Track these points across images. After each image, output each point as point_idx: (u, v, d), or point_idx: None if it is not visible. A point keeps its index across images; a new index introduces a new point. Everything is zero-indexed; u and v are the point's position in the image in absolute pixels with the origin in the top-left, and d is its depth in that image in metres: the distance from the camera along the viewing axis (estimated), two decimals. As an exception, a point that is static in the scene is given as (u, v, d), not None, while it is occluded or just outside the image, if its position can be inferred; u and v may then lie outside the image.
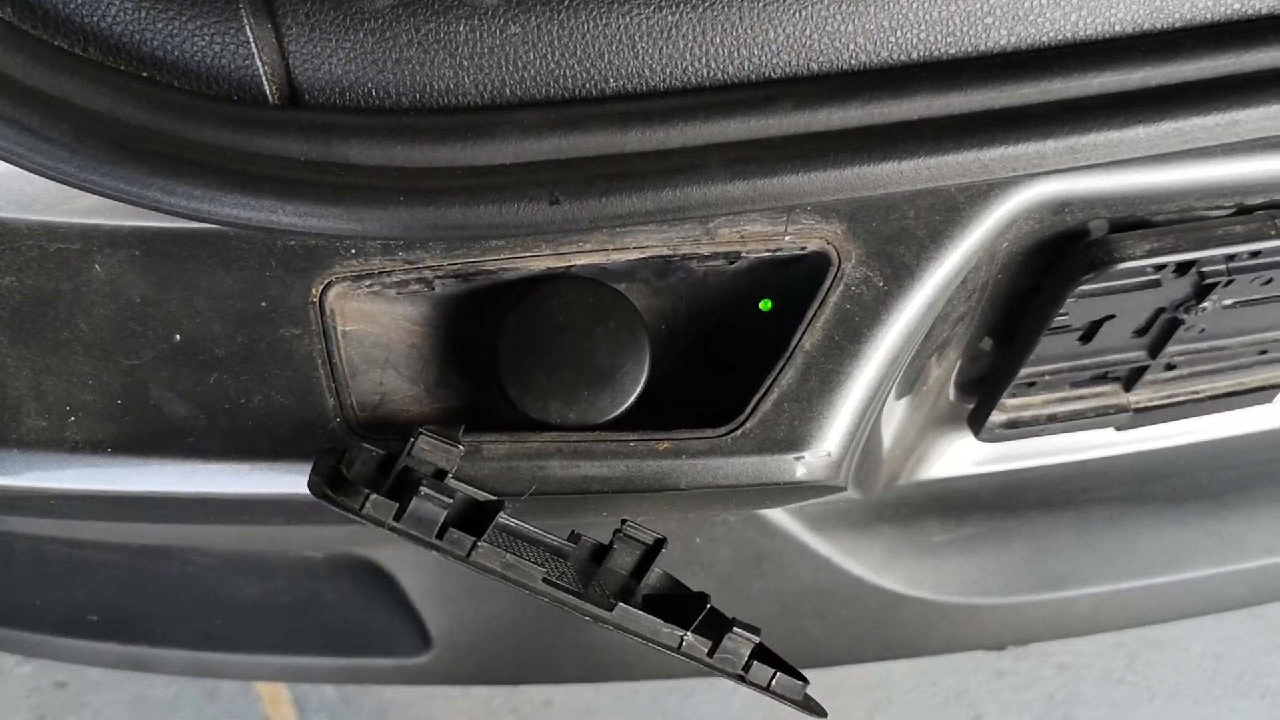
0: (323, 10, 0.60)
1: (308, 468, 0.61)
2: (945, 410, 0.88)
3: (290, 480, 0.63)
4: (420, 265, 0.63)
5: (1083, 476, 0.94)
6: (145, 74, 0.59)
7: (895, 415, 0.81)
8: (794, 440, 0.64)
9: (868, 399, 0.65)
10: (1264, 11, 0.63)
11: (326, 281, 0.63)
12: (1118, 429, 0.92)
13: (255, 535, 0.81)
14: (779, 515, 0.86)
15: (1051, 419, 0.89)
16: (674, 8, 0.61)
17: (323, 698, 1.55)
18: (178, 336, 0.64)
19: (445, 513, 0.56)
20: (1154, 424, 0.92)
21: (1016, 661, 1.73)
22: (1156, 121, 0.60)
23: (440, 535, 0.56)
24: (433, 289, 0.65)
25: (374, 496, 0.56)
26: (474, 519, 0.57)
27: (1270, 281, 0.77)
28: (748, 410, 0.64)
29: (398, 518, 0.55)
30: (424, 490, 0.55)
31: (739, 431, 0.64)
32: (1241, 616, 1.75)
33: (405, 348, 0.66)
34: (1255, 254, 0.73)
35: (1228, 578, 0.96)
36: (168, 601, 0.91)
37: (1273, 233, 0.69)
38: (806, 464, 0.64)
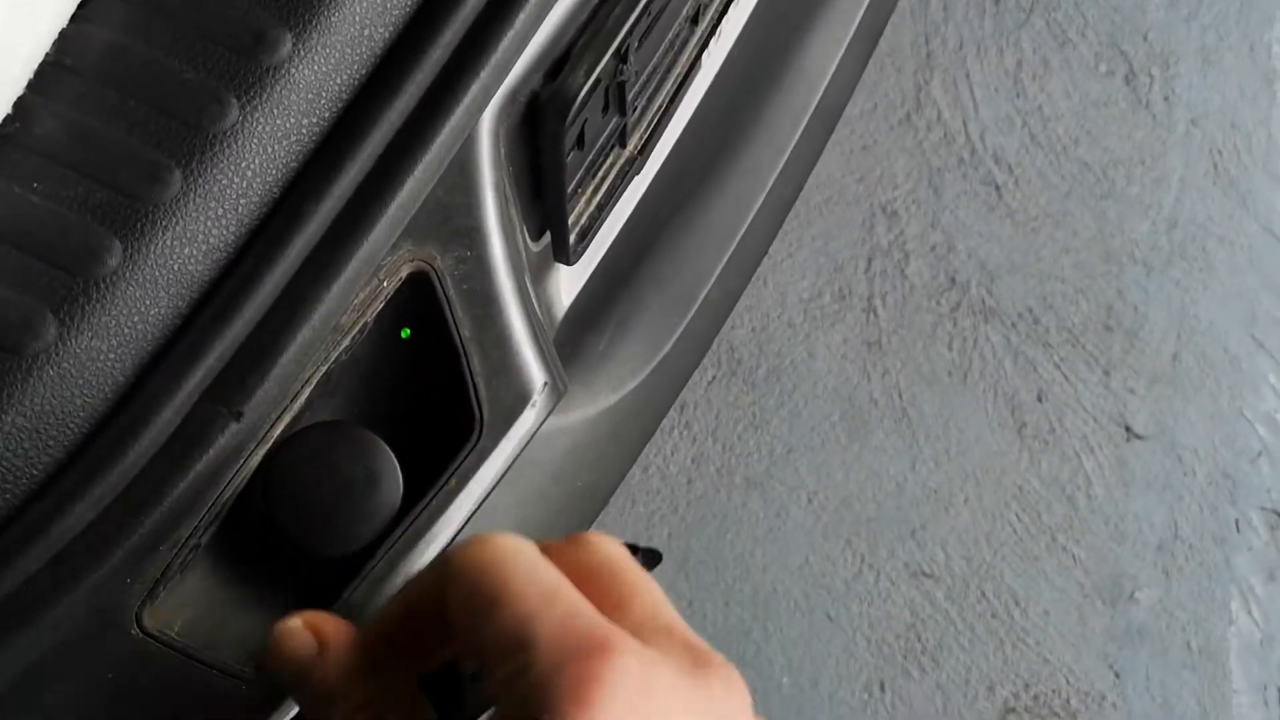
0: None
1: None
2: (535, 261, 1.03)
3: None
4: (181, 545, 0.70)
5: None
6: None
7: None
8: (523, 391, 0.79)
9: (524, 316, 0.80)
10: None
11: (136, 611, 0.70)
12: (637, 174, 1.10)
13: None
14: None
15: (601, 206, 1.06)
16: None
17: None
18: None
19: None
20: (652, 147, 1.11)
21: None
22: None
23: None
24: (202, 544, 0.72)
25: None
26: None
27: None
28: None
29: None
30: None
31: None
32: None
33: (223, 603, 0.74)
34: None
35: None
36: None
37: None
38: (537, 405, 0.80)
